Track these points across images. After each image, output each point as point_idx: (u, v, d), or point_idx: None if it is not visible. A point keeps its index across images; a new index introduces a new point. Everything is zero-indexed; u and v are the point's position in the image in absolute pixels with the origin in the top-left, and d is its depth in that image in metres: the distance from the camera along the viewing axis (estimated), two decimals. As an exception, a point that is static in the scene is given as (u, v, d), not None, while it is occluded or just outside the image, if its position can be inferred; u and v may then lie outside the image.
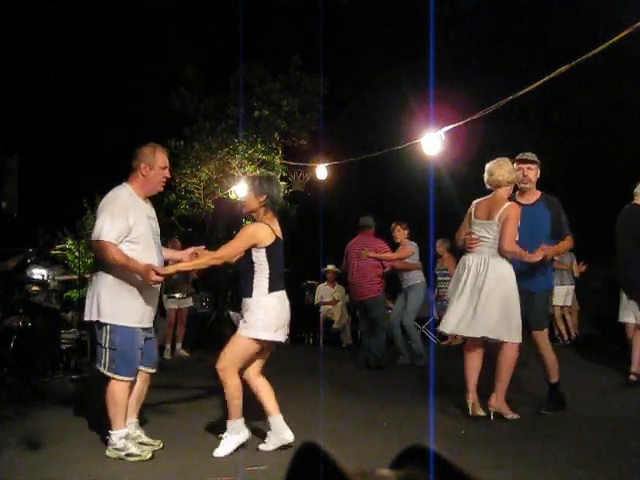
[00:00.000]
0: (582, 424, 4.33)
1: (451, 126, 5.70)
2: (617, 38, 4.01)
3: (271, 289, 3.79)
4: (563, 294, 9.06)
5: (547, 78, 4.59)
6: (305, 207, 11.57)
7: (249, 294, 3.80)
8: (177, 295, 8.80)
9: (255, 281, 3.79)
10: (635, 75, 11.14)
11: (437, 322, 8.81)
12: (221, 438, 3.84)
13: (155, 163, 3.90)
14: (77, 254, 10.59)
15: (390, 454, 0.54)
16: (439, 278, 9.28)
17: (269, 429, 3.87)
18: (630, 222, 5.73)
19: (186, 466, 3.60)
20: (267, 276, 3.79)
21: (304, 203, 11.47)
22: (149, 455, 3.70)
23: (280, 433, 3.83)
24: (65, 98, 13.45)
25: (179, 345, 8.89)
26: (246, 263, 3.84)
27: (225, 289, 10.36)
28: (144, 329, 3.85)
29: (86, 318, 3.84)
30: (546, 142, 11.11)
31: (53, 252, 8.25)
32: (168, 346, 8.86)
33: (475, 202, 4.65)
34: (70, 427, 4.51)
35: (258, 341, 3.77)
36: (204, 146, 10.64)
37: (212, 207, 10.57)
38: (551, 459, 3.55)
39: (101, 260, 3.80)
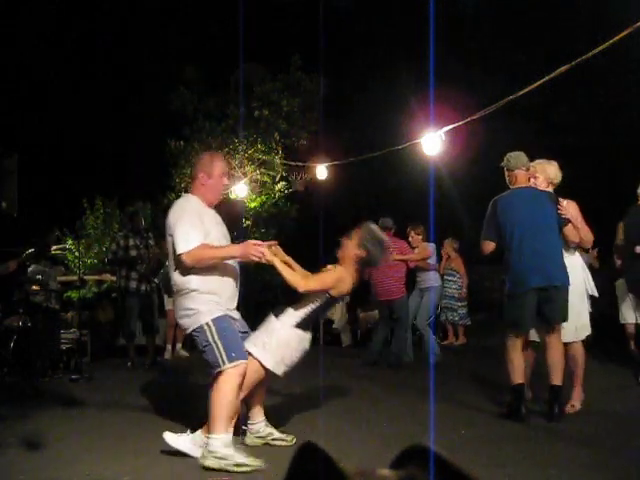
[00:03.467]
0: (583, 424, 4.32)
1: (451, 126, 5.70)
2: (617, 38, 4.01)
3: (299, 326, 3.75)
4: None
5: (547, 78, 4.59)
6: (305, 207, 11.56)
7: (277, 315, 3.80)
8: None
9: (290, 309, 3.77)
10: (635, 75, 11.14)
11: (439, 323, 8.85)
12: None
13: (214, 171, 3.85)
14: (77, 254, 10.59)
15: (390, 454, 0.54)
16: (446, 278, 9.31)
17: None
18: (637, 223, 5.74)
19: (186, 466, 3.59)
20: (305, 313, 3.75)
21: (304, 203, 11.46)
22: (262, 464, 3.36)
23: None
24: (65, 98, 13.45)
25: (179, 345, 8.89)
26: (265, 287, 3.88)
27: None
28: (233, 318, 3.80)
29: (188, 331, 3.75)
30: (546, 142, 11.10)
31: (53, 252, 8.24)
32: (168, 346, 8.87)
33: None
34: (70, 427, 4.51)
35: (262, 364, 3.72)
36: (204, 146, 10.63)
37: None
38: (552, 459, 3.54)
39: (196, 269, 3.64)
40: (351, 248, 3.87)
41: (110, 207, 12.10)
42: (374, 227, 4.05)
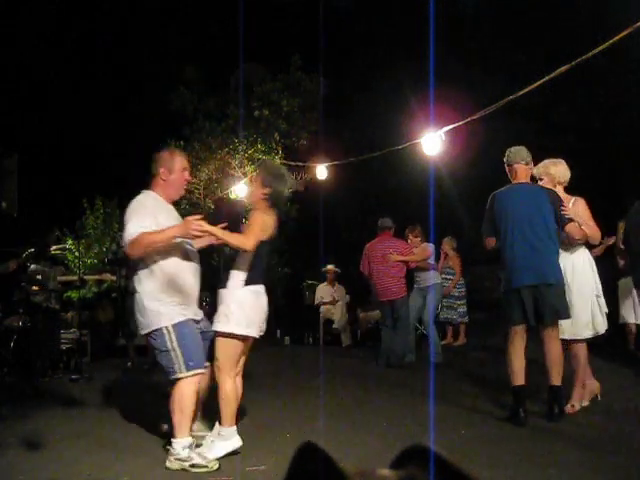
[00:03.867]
0: (583, 424, 4.32)
1: (451, 126, 5.70)
2: (617, 38, 4.00)
3: (247, 282, 3.67)
4: None
5: (547, 78, 4.59)
6: (305, 207, 11.56)
7: (224, 285, 3.71)
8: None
9: (233, 272, 3.70)
10: (635, 75, 11.14)
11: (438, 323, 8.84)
12: (203, 438, 3.78)
13: (174, 167, 3.87)
14: (77, 254, 10.58)
15: (390, 454, 0.54)
16: (444, 277, 9.33)
17: (216, 435, 3.72)
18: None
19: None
20: (247, 269, 3.67)
21: (304, 203, 11.46)
22: (216, 466, 3.54)
23: (231, 438, 3.70)
24: (65, 98, 13.45)
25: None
26: (232, 253, 3.77)
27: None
28: (195, 321, 3.80)
29: (143, 332, 3.74)
30: (546, 142, 11.10)
31: (53, 252, 8.24)
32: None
33: None
34: (70, 427, 4.51)
35: (235, 336, 3.65)
36: (204, 146, 10.64)
37: (212, 207, 10.57)
38: (552, 459, 3.54)
39: (140, 260, 3.67)
40: (256, 189, 3.87)
41: (110, 207, 12.10)
42: (271, 163, 4.06)
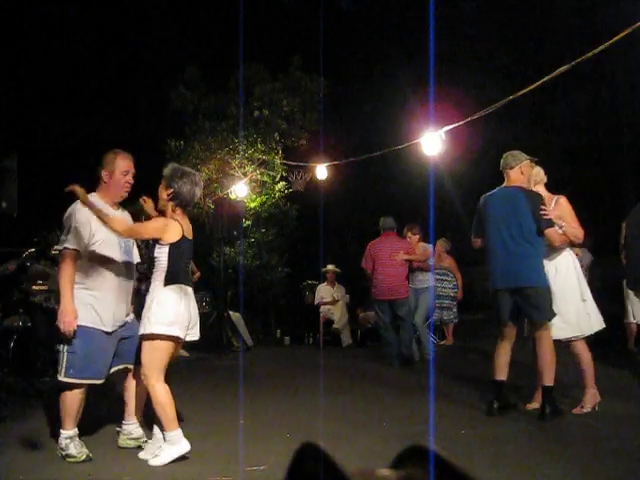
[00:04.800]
0: (583, 424, 4.32)
1: (451, 126, 5.70)
2: (617, 38, 4.01)
3: (167, 282, 3.65)
4: None
5: (547, 78, 4.59)
6: (305, 207, 11.57)
7: (147, 291, 3.74)
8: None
9: (153, 276, 3.71)
10: (635, 75, 11.14)
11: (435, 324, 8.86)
12: (145, 443, 3.85)
13: (115, 169, 3.92)
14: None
15: (390, 454, 0.54)
16: (439, 277, 9.34)
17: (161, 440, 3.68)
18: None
19: (185, 466, 3.59)
20: (165, 272, 3.66)
21: (304, 203, 11.47)
22: (83, 457, 3.67)
23: (178, 442, 3.62)
24: (65, 98, 13.45)
25: (179, 345, 8.88)
26: (149, 260, 3.79)
27: (225, 289, 10.35)
28: (107, 332, 3.83)
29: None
30: (545, 142, 11.11)
31: (53, 252, 8.24)
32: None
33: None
34: (70, 427, 4.50)
35: (157, 336, 3.58)
36: (204, 146, 10.64)
37: (212, 207, 10.58)
38: (552, 459, 3.54)
39: (82, 268, 3.82)
40: (161, 192, 3.84)
41: (110, 207, 12.11)
42: (174, 164, 4.06)
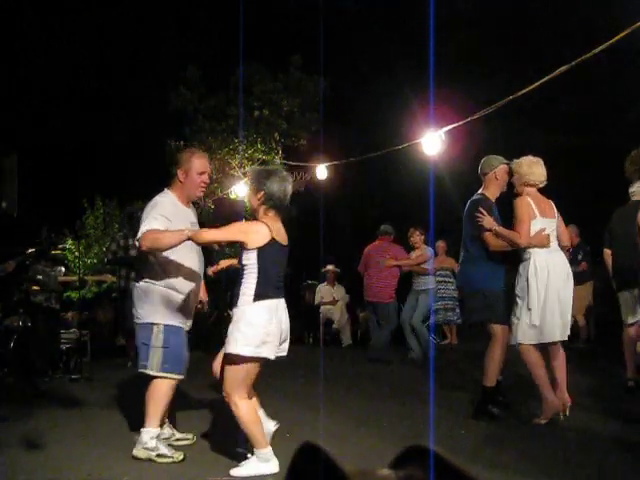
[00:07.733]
0: (582, 425, 4.32)
1: (451, 126, 5.70)
2: (617, 38, 4.01)
3: (257, 297, 3.31)
4: None
5: (547, 78, 4.59)
6: (305, 207, 11.57)
7: (235, 303, 3.40)
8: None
9: (242, 288, 3.36)
10: (635, 75, 11.14)
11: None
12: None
13: (191, 169, 3.85)
14: (77, 254, 10.59)
15: (390, 454, 0.54)
16: (441, 279, 9.33)
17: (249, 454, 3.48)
18: (623, 221, 5.67)
19: (186, 466, 3.60)
20: (254, 282, 3.33)
21: (304, 203, 11.46)
22: (181, 457, 3.64)
23: (268, 461, 3.37)
24: (65, 98, 13.46)
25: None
26: (239, 268, 3.46)
27: (225, 289, 10.35)
28: (187, 332, 3.89)
29: (135, 321, 3.87)
30: (545, 142, 11.11)
31: (53, 252, 8.24)
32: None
33: (527, 201, 4.47)
34: (70, 427, 4.51)
35: (244, 358, 3.31)
36: (204, 146, 10.64)
37: (212, 207, 10.57)
38: (551, 459, 3.55)
39: (152, 254, 3.68)
40: (251, 199, 3.52)
41: (110, 207, 12.12)
42: (256, 167, 4.00)
